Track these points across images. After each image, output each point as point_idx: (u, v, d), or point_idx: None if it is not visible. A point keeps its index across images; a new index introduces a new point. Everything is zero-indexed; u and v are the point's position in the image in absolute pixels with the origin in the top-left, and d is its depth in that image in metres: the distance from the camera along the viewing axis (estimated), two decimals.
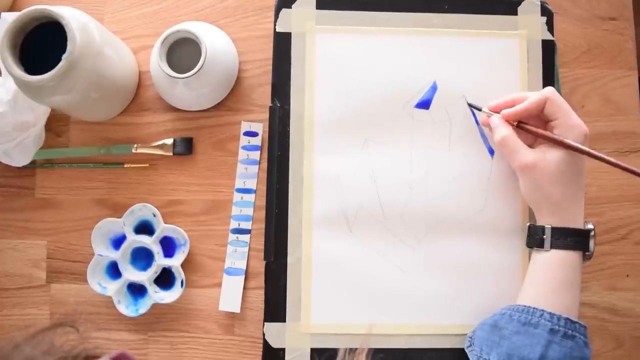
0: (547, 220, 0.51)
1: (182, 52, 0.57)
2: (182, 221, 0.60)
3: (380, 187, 0.57)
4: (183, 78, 0.54)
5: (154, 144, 0.60)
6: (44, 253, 0.60)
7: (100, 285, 0.58)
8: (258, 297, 0.59)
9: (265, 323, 0.55)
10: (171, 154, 0.60)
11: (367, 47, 0.58)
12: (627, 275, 0.60)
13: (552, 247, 0.51)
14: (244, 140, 0.60)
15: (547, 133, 0.51)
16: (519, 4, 0.58)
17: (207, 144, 0.61)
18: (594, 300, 0.59)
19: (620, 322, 0.59)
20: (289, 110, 0.57)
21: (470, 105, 0.57)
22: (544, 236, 0.51)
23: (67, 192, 0.61)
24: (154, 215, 0.58)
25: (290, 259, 0.56)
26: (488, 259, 0.56)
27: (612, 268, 0.60)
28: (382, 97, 0.57)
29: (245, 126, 0.60)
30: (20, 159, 0.59)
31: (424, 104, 0.57)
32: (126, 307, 0.57)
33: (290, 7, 0.58)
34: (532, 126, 0.52)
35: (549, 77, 0.58)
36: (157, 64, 0.55)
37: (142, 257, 0.59)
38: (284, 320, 0.55)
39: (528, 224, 0.54)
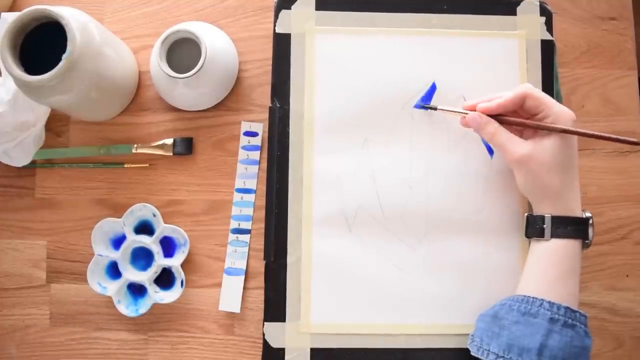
0: (546, 210, 0.51)
1: (182, 52, 0.57)
2: (182, 221, 0.60)
3: (380, 187, 0.57)
4: (183, 78, 0.54)
5: (154, 144, 0.60)
6: (44, 253, 0.60)
7: (100, 285, 0.58)
8: (258, 297, 0.59)
9: (265, 323, 0.55)
10: (171, 154, 0.60)
11: (366, 47, 0.58)
12: (627, 275, 0.60)
13: (552, 236, 0.51)
14: (244, 140, 0.60)
15: (535, 122, 0.51)
16: (518, 4, 0.58)
17: (207, 144, 0.61)
18: (594, 300, 0.59)
19: (620, 322, 0.59)
20: (288, 111, 0.57)
21: (424, 106, 0.56)
22: (544, 225, 0.51)
23: (67, 192, 0.61)
24: (154, 215, 0.58)
25: (290, 259, 0.56)
26: (487, 259, 0.56)
27: (612, 268, 0.60)
28: (382, 97, 0.57)
29: (245, 126, 0.60)
30: (20, 159, 0.59)
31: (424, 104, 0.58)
32: (126, 307, 0.57)
33: (289, 8, 0.58)
34: (516, 118, 0.52)
35: (549, 77, 0.58)
36: (157, 64, 0.55)
37: (142, 257, 0.59)
38: (283, 320, 0.55)
39: (526, 214, 0.54)
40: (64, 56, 0.48)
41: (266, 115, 0.58)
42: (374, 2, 0.58)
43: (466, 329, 0.55)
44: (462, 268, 0.56)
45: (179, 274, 0.57)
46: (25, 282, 0.60)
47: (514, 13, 0.58)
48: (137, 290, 0.59)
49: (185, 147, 0.60)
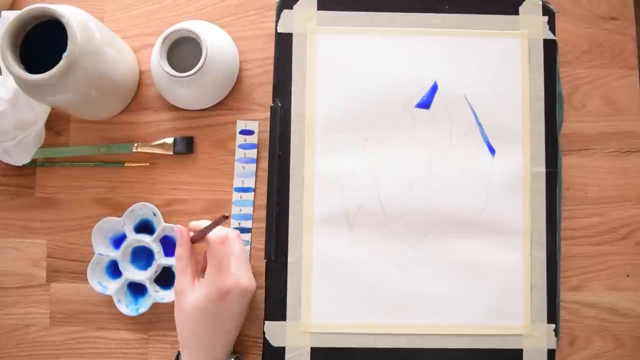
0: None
1: (183, 51, 0.57)
2: (182, 220, 0.60)
3: (381, 187, 0.57)
4: (184, 77, 0.54)
5: (154, 143, 0.60)
6: (44, 252, 0.60)
7: (101, 284, 0.58)
8: (258, 296, 0.58)
9: (265, 322, 0.55)
10: (171, 153, 0.60)
11: (368, 47, 0.58)
12: (628, 275, 0.60)
13: None
14: (240, 139, 0.60)
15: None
16: (520, 3, 0.58)
17: (207, 143, 0.61)
18: (594, 300, 0.59)
19: (620, 322, 0.59)
20: (290, 110, 0.57)
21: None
22: None
23: (67, 191, 0.61)
24: (154, 215, 0.58)
25: (290, 258, 0.56)
26: (488, 259, 0.56)
27: (613, 268, 0.60)
28: (383, 96, 0.57)
29: (240, 124, 0.60)
30: (21, 158, 0.59)
31: (425, 104, 0.57)
32: (126, 307, 0.57)
33: (291, 8, 0.58)
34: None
35: (551, 77, 0.58)
36: (157, 63, 0.55)
37: (142, 256, 0.59)
38: (284, 319, 0.55)
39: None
40: (65, 55, 0.48)
41: (266, 115, 0.58)
42: (376, 2, 0.58)
43: (466, 329, 0.55)
44: (463, 268, 0.56)
45: None
46: (25, 281, 0.60)
47: (516, 12, 0.58)
48: (137, 290, 0.59)
49: (186, 146, 0.60)
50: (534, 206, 0.56)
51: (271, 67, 0.58)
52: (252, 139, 0.60)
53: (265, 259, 0.56)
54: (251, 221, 0.60)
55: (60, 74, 0.48)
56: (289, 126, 0.57)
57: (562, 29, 0.61)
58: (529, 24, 0.58)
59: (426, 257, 0.56)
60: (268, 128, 0.57)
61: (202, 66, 0.54)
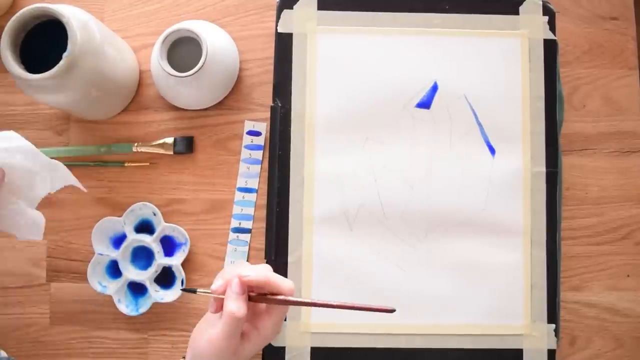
0: None
1: (183, 51, 0.57)
2: (182, 220, 0.60)
3: (381, 187, 0.57)
4: (184, 77, 0.54)
5: (154, 143, 0.60)
6: (44, 252, 0.60)
7: (101, 284, 0.58)
8: None
9: None
10: (172, 152, 0.60)
11: (368, 47, 0.58)
12: (628, 275, 0.60)
13: None
14: (247, 140, 0.60)
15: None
16: (521, 3, 0.58)
17: (207, 143, 0.61)
18: (594, 300, 0.59)
19: (620, 322, 0.59)
20: (290, 110, 0.57)
21: (184, 290, 0.49)
22: None
23: (67, 190, 0.61)
24: (154, 214, 0.58)
25: (291, 258, 0.56)
26: (489, 258, 0.56)
27: (613, 268, 0.60)
28: (383, 96, 0.57)
29: (248, 125, 0.60)
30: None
31: (425, 104, 0.57)
32: (126, 306, 0.57)
33: (291, 8, 0.58)
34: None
35: (551, 77, 0.58)
36: (157, 63, 0.55)
37: (142, 256, 0.59)
38: (284, 319, 0.55)
39: None
40: (65, 54, 0.48)
41: (267, 114, 0.58)
42: (376, 2, 0.58)
43: (466, 329, 0.55)
44: (463, 268, 0.56)
45: (180, 273, 0.57)
46: (25, 281, 0.60)
47: (516, 12, 0.58)
48: (137, 289, 0.59)
49: (186, 146, 0.60)
50: (534, 206, 0.56)
51: (271, 67, 0.58)
52: (259, 140, 0.60)
53: (265, 259, 0.56)
54: (252, 221, 0.60)
55: (60, 73, 0.48)
56: (289, 126, 0.57)
57: (562, 29, 0.61)
58: (529, 24, 0.58)
59: (426, 257, 0.56)
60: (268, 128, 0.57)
61: (202, 66, 0.54)
